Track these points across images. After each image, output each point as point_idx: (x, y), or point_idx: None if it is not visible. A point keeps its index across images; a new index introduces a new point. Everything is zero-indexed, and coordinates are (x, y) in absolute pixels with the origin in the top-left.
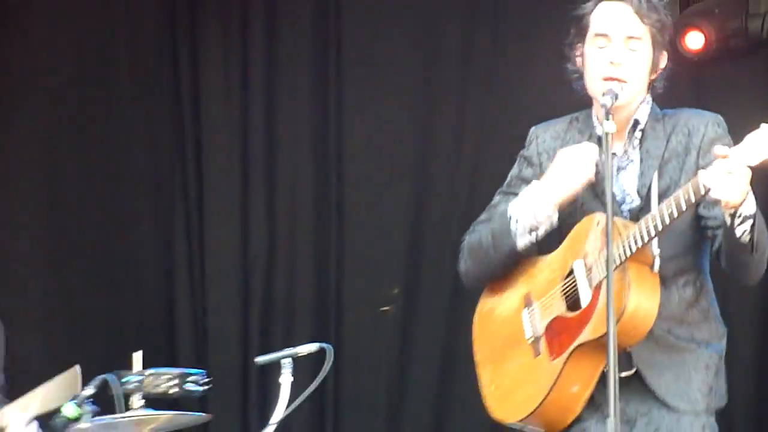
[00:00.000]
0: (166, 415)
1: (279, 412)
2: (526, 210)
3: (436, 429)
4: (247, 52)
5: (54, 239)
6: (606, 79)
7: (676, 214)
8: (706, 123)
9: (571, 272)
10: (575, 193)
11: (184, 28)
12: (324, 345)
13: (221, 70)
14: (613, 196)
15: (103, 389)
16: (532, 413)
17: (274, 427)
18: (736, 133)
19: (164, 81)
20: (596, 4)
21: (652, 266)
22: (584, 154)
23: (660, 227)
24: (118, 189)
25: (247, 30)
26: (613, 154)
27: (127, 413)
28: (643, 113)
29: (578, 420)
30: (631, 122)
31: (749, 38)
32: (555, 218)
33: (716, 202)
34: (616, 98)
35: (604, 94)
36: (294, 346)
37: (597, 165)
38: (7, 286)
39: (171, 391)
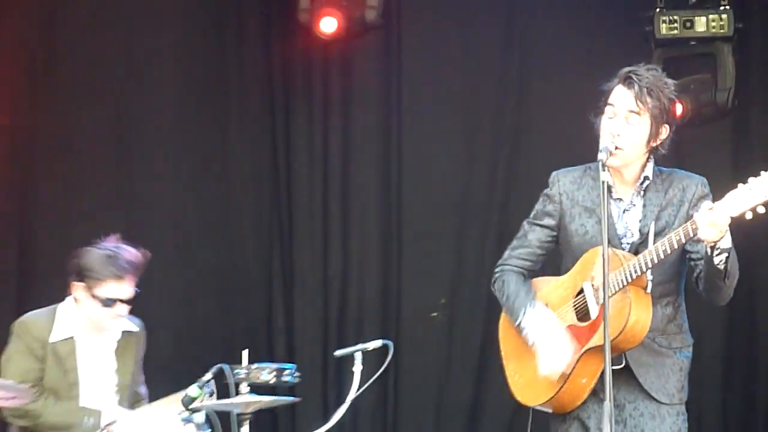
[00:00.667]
0: (268, 399)
1: (351, 394)
2: (527, 335)
3: (475, 409)
4: (327, 119)
5: (181, 258)
6: (602, 148)
7: (669, 251)
8: (696, 183)
9: (581, 291)
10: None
11: (281, 99)
12: (387, 341)
13: (307, 133)
14: (616, 230)
15: (219, 377)
16: (549, 399)
17: (347, 405)
18: (706, 175)
19: (265, 140)
20: (615, 86)
21: (646, 288)
22: (562, 354)
23: (656, 260)
24: (229, 222)
25: (327, 104)
26: (620, 199)
27: (240, 397)
28: (650, 171)
29: (583, 404)
30: (642, 178)
31: (718, 108)
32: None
33: (700, 240)
34: (610, 154)
35: (600, 151)
36: (363, 342)
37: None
38: (147, 295)
39: (270, 381)
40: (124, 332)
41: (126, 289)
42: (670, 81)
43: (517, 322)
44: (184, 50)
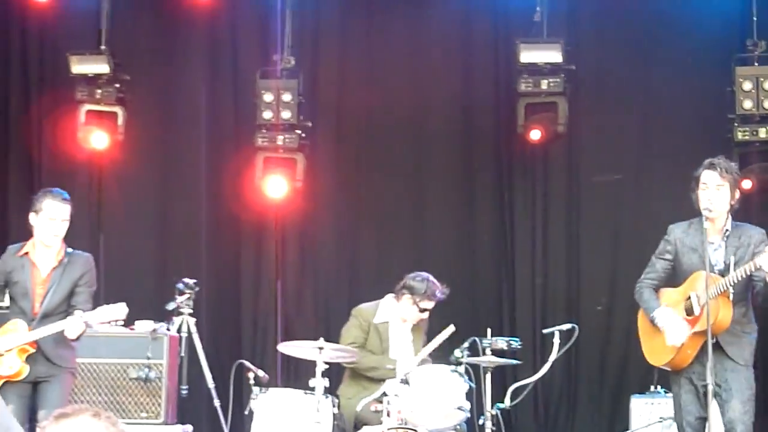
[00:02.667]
0: (502, 360)
1: (552, 356)
2: (657, 317)
3: (624, 367)
4: (534, 185)
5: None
6: (704, 209)
7: (742, 277)
8: (759, 233)
9: (688, 297)
10: (672, 343)
11: (506, 176)
12: (574, 324)
13: (522, 194)
14: (710, 261)
15: (472, 346)
16: (668, 362)
17: (549, 363)
18: (765, 225)
19: (497, 197)
20: (702, 171)
21: (729, 297)
22: (681, 336)
23: (735, 282)
24: (475, 246)
25: (534, 176)
26: (711, 242)
27: (485, 357)
28: (729, 225)
29: (689, 365)
30: (725, 230)
31: None
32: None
33: (761, 271)
34: (709, 212)
35: (703, 210)
36: (559, 324)
37: (702, 244)
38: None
39: (503, 348)
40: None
41: (431, 305)
42: (734, 164)
43: (651, 317)
44: (460, 151)
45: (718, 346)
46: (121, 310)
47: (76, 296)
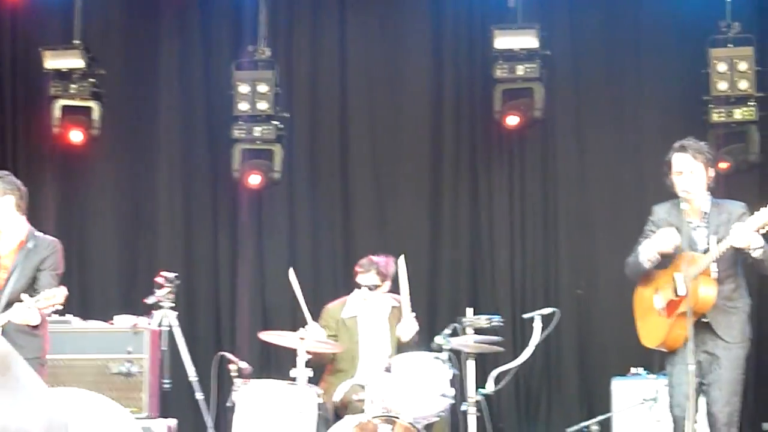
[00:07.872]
0: (481, 338)
1: (534, 340)
2: (643, 253)
3: (603, 353)
4: (511, 169)
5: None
6: (682, 191)
7: (723, 253)
8: (740, 206)
9: (674, 279)
10: (665, 250)
11: (483, 159)
12: (555, 309)
13: (498, 177)
14: (694, 241)
15: (454, 329)
16: (661, 343)
17: (532, 348)
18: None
19: (470, 179)
20: (673, 154)
21: (710, 275)
22: (670, 236)
23: (715, 259)
24: (444, 229)
25: (510, 159)
26: (690, 222)
27: (466, 337)
28: (707, 205)
29: (683, 346)
30: (702, 209)
31: (749, 163)
32: (656, 258)
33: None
34: (687, 193)
35: (680, 193)
36: (540, 309)
37: (684, 226)
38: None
39: (485, 326)
40: (393, 307)
41: (368, 278)
42: (703, 143)
43: (640, 260)
44: (436, 138)
45: (708, 326)
46: (59, 293)
47: (38, 280)
